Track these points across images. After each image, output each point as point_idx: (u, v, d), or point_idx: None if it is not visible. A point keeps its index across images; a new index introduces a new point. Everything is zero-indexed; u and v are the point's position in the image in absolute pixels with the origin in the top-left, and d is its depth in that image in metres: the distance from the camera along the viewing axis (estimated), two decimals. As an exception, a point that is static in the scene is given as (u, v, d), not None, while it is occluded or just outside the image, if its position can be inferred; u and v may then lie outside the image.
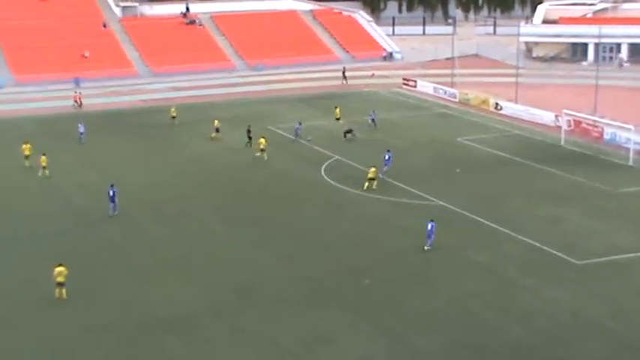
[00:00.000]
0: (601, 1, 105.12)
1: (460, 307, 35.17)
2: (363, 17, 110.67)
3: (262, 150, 57.89)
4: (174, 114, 69.77)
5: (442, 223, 44.93)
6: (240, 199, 50.15)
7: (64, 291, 36.05)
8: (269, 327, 33.66)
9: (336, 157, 58.62)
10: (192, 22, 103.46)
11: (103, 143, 63.72)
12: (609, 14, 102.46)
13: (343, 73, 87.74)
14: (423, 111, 74.65)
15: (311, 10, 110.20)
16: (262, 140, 58.43)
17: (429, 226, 41.26)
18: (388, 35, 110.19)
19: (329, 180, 53.33)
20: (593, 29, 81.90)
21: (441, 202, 48.11)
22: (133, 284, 37.94)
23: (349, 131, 63.42)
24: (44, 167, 54.31)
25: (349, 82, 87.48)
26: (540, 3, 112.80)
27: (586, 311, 34.54)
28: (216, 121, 64.95)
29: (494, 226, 44.36)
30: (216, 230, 44.98)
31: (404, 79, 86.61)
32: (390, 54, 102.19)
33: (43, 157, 54.45)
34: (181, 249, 42.16)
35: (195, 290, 37.21)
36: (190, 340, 32.83)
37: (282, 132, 65.76)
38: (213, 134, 64.08)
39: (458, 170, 54.81)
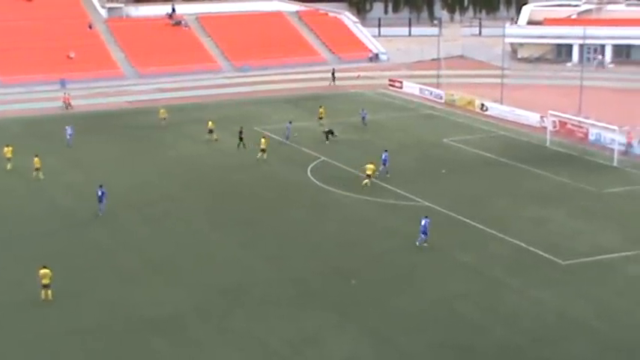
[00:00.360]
0: (585, 3, 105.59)
1: (446, 307, 35.30)
2: (348, 18, 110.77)
3: (263, 150, 57.90)
4: (163, 116, 69.53)
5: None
6: (226, 200, 50.14)
7: (49, 292, 35.96)
8: (256, 328, 33.70)
9: (323, 158, 58.69)
10: (178, 23, 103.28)
11: (89, 145, 63.54)
12: (593, 15, 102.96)
13: (332, 74, 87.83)
14: (409, 112, 74.82)
15: (297, 12, 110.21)
16: (263, 140, 58.45)
17: (423, 222, 41.58)
18: (374, 36, 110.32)
19: (315, 181, 53.39)
20: (578, 30, 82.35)
21: (427, 203, 48.26)
22: (119, 285, 37.88)
23: (330, 132, 63.32)
24: (37, 169, 54.08)
25: (336, 83, 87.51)
26: (525, 4, 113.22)
27: (571, 311, 34.74)
28: (209, 122, 64.81)
29: (481, 226, 44.54)
30: (203, 231, 44.96)
31: (390, 80, 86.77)
32: (376, 55, 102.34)
33: (36, 159, 54.26)
34: (168, 250, 42.13)
35: (182, 291, 37.19)
36: (177, 341, 32.81)
37: (268, 133, 65.75)
38: (207, 136, 63.91)
39: (444, 171, 54.98)
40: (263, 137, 59.37)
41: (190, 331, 33.56)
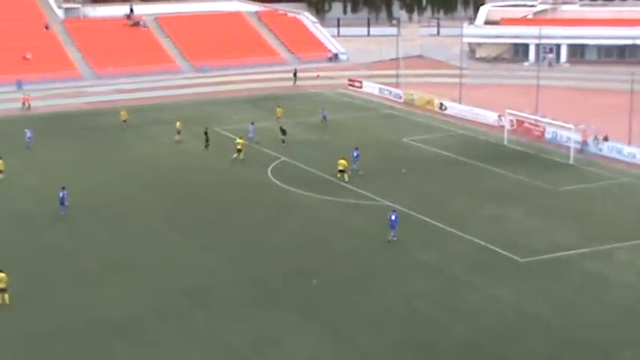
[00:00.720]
0: (541, 3, 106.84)
1: (407, 306, 35.60)
2: (308, 18, 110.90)
3: (239, 150, 57.89)
4: (124, 117, 68.86)
5: (388, 223, 45.43)
6: (187, 201, 49.99)
7: (6, 296, 35.60)
8: (218, 328, 33.69)
9: (283, 158, 58.77)
10: (137, 24, 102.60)
11: (48, 147, 62.92)
12: (549, 15, 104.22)
13: (294, 74, 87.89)
14: (368, 112, 75.17)
15: (256, 12, 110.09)
16: (240, 141, 58.39)
17: (393, 217, 42.13)
18: (333, 36, 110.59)
19: (276, 181, 53.45)
20: (534, 30, 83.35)
21: (388, 203, 48.55)
22: (78, 288, 37.61)
23: (283, 132, 63.16)
24: (0, 171, 53.64)
25: (296, 83, 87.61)
26: (482, 4, 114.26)
27: (529, 308, 35.22)
28: (177, 123, 64.42)
29: (441, 225, 44.94)
30: (163, 232, 44.80)
31: (349, 80, 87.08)
32: (336, 55, 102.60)
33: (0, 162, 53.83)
34: (128, 251, 41.92)
35: (142, 293, 37.04)
36: (138, 342, 32.69)
37: (228, 133, 65.63)
38: (177, 136, 63.44)
39: (404, 170, 55.35)
40: (240, 137, 59.23)
41: (151, 333, 33.45)
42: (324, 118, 69.19)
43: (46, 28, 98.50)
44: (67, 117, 74.23)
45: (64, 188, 47.03)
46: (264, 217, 47.00)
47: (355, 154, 54.61)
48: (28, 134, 62.76)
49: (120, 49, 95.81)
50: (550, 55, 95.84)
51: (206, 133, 61.75)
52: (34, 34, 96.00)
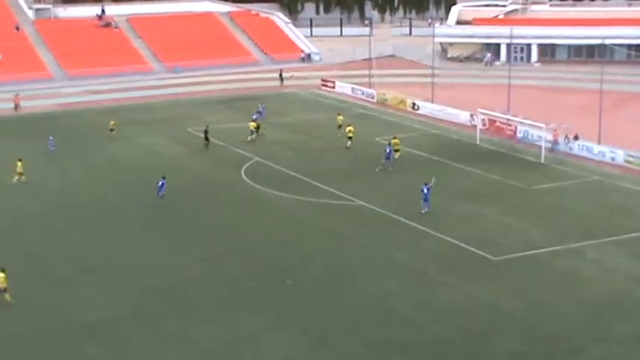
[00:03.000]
0: (511, 3, 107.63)
1: (382, 305, 35.78)
2: (280, 19, 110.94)
3: (252, 132, 62.10)
4: (113, 127, 65.69)
5: (363, 223, 45.70)
6: (160, 202, 49.81)
7: (7, 296, 35.40)
8: (192, 330, 33.67)
9: (256, 158, 58.80)
10: (108, 25, 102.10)
11: (20, 148, 62.34)
12: (519, 16, 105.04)
13: (280, 75, 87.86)
14: (341, 111, 75.21)
15: (228, 12, 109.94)
16: (253, 123, 63.01)
17: (425, 190, 45.82)
18: (306, 36, 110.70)
19: (249, 182, 53.47)
20: (505, 30, 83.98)
21: (361, 202, 48.76)
22: (49, 291, 37.36)
23: (257, 128, 63.51)
24: (20, 174, 52.80)
25: (271, 83, 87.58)
26: (454, 4, 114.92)
27: (503, 306, 35.55)
28: (112, 122, 65.12)
29: (414, 224, 45.19)
30: (136, 234, 44.67)
31: (322, 80, 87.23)
32: (309, 55, 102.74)
33: (19, 164, 53.10)
34: (100, 253, 41.73)
35: (115, 295, 36.90)
36: (111, 345, 32.57)
37: (201, 135, 65.49)
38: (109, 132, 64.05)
39: (377, 170, 55.57)
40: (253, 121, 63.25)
41: (124, 335, 33.34)
42: (260, 113, 68.45)
43: (17, 29, 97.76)
44: (39, 118, 73.73)
45: (164, 177, 48.10)
46: (237, 218, 47.01)
47: (387, 150, 55.82)
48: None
49: (92, 50, 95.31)
50: (489, 54, 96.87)
51: (206, 132, 61.47)
52: (4, 35, 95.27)
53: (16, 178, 52.63)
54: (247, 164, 57.36)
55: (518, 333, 33.16)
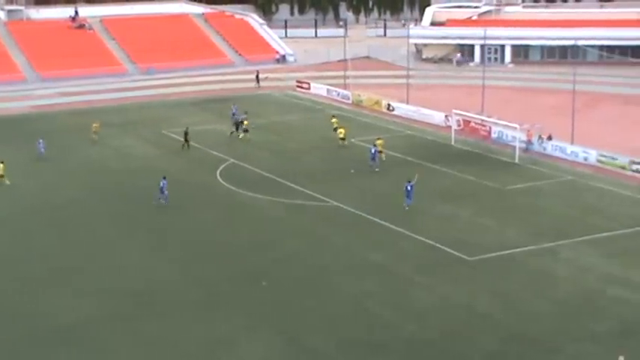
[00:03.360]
0: (485, 4, 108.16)
1: (357, 306, 35.83)
2: (255, 20, 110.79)
3: (246, 130, 62.80)
4: (96, 130, 64.28)
5: (338, 224, 45.77)
6: (134, 204, 49.62)
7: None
8: (168, 332, 33.54)
9: (232, 160, 58.69)
10: (82, 26, 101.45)
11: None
12: (493, 17, 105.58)
13: (257, 76, 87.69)
14: (316, 113, 75.39)
15: (203, 14, 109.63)
16: (246, 122, 63.48)
17: (408, 187, 46.70)
18: (281, 38, 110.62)
19: (224, 183, 53.36)
20: (479, 31, 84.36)
21: (336, 203, 48.81)
22: (23, 293, 37.06)
23: (239, 124, 63.50)
24: (1, 176, 52.40)
25: (246, 85, 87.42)
26: (428, 5, 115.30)
27: (478, 306, 35.72)
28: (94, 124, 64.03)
29: (389, 225, 45.29)
30: (110, 236, 44.43)
31: (297, 81, 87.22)
32: (283, 56, 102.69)
33: (1, 166, 52.59)
34: (74, 255, 41.46)
35: (90, 297, 36.65)
36: (86, 348, 32.36)
37: (176, 136, 65.31)
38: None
39: (352, 171, 55.65)
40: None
41: (100, 338, 33.13)
42: (234, 115, 68.30)
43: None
44: (12, 121, 73.15)
45: (164, 178, 48.19)
46: (212, 219, 46.89)
47: (373, 150, 56.27)
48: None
49: (65, 52, 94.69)
50: (459, 55, 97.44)
51: (186, 134, 61.27)
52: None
53: None
54: (223, 166, 57.24)
55: (493, 333, 33.34)
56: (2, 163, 53.00)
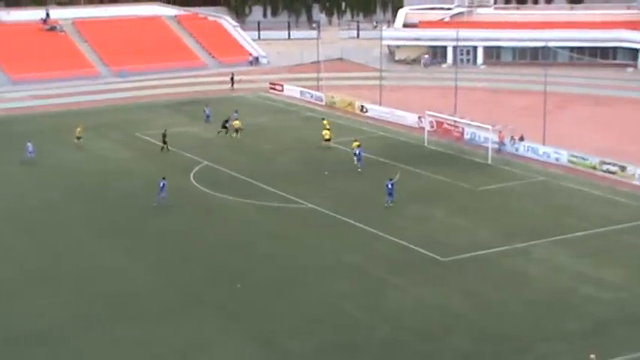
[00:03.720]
0: (457, 6, 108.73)
1: (332, 308, 35.94)
2: (228, 22, 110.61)
3: (237, 130, 64.02)
4: (79, 134, 63.28)
5: (312, 226, 45.87)
6: (108, 208, 49.41)
7: None
8: (142, 336, 33.46)
9: (206, 162, 58.61)
10: (53, 29, 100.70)
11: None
12: (465, 18, 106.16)
13: (232, 78, 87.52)
14: (290, 114, 75.46)
15: (175, 16, 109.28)
16: (237, 122, 64.86)
17: (389, 185, 47.69)
18: (254, 40, 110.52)
19: (199, 186, 53.28)
20: (451, 33, 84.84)
21: (311, 205, 48.91)
22: (-2, 299, 36.91)
23: (225, 122, 63.73)
24: None
25: (220, 87, 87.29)
26: (401, 7, 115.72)
27: (452, 306, 35.96)
28: (78, 129, 62.96)
29: (364, 226, 45.45)
30: (84, 239, 44.22)
31: (271, 83, 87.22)
32: (257, 58, 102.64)
33: None
34: (48, 259, 41.23)
35: (64, 301, 36.49)
36: (60, 352, 32.24)
37: (150, 139, 65.13)
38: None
39: (326, 173, 55.78)
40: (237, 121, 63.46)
41: (73, 342, 33.00)
42: (208, 117, 69.48)
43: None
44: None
45: (164, 178, 48.48)
46: (186, 222, 46.80)
47: (357, 151, 56.56)
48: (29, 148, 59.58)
49: (36, 55, 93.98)
50: (426, 57, 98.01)
51: (164, 135, 61.17)
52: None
53: None
54: (196, 168, 57.14)
55: (467, 333, 33.59)
56: None
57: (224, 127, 65.19)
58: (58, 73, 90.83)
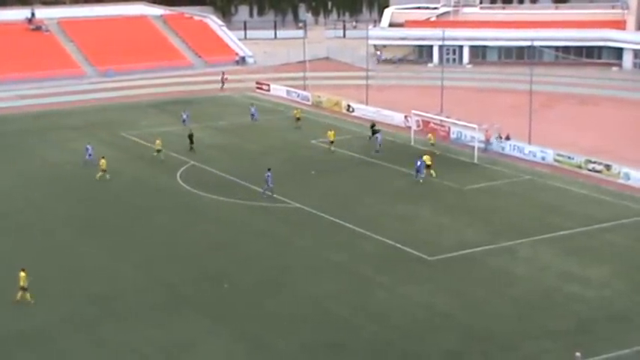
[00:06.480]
0: (443, 5, 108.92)
1: (319, 307, 35.99)
2: (214, 22, 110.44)
3: (331, 142, 60.82)
4: (159, 147, 59.42)
5: (299, 225, 45.91)
6: (94, 208, 49.29)
7: (27, 295, 35.54)
8: (128, 336, 33.42)
9: (192, 162, 58.53)
10: (39, 28, 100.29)
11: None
12: (451, 18, 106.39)
13: (222, 78, 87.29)
14: (277, 114, 75.43)
15: (161, 15, 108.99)
16: (330, 133, 61.39)
17: (419, 163, 51.18)
18: (240, 39, 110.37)
19: (185, 186, 53.22)
20: (437, 32, 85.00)
21: (298, 205, 48.93)
22: (-17, 300, 36.75)
23: (190, 135, 62.28)
24: None
25: (206, 87, 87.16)
26: (387, 7, 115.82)
27: (438, 305, 36.07)
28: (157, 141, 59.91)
29: (351, 226, 45.51)
30: (70, 240, 44.10)
31: (257, 82, 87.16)
32: (243, 58, 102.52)
33: None
34: (34, 260, 40.98)
35: (50, 302, 36.36)
36: (47, 354, 32.15)
37: (135, 139, 64.98)
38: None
39: (313, 172, 55.82)
40: (157, 139, 59.55)
41: (60, 343, 32.93)
42: (184, 121, 68.53)
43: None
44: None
45: (269, 169, 49.88)
46: (172, 222, 46.75)
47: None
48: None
49: (22, 54, 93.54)
50: (397, 56, 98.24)
51: (190, 136, 61.10)
52: None
53: None
54: (183, 168, 57.06)
55: (453, 332, 33.70)
56: None
57: (191, 142, 62.08)
58: (44, 72, 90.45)
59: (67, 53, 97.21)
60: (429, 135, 61.08)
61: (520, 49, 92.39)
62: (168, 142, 63.11)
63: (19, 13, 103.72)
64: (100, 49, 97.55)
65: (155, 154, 58.66)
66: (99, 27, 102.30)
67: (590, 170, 55.00)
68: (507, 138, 60.82)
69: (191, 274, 39.43)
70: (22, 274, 36.25)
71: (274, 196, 49.70)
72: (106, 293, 37.34)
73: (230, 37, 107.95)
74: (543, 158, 57.89)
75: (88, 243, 43.75)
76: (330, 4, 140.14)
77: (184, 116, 69.26)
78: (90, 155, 57.76)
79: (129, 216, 47.75)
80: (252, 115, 70.51)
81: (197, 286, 38.15)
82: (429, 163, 54.20)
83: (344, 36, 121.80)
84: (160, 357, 31.96)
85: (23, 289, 36.13)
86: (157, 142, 59.21)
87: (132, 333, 33.64)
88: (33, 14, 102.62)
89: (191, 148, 60.76)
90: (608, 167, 54.22)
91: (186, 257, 41.54)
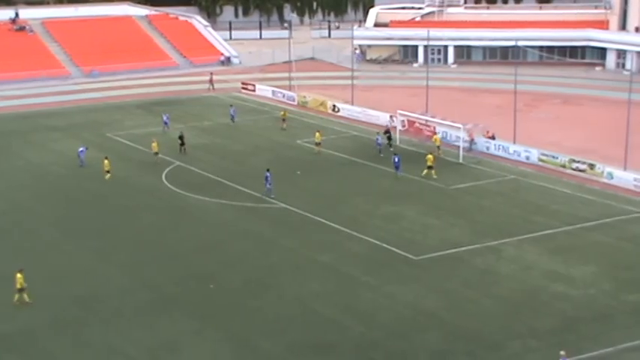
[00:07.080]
0: (428, 6, 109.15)
1: (305, 307, 36.03)
2: (199, 22, 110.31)
3: (318, 144, 60.56)
4: (156, 149, 59.16)
5: (285, 226, 45.93)
6: (79, 209, 49.16)
7: (25, 295, 35.48)
8: (113, 338, 33.35)
9: (177, 163, 58.44)
10: (23, 29, 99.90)
11: None
12: (436, 18, 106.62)
13: (210, 79, 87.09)
14: (262, 114, 75.40)
15: (146, 16, 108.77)
16: (318, 134, 61.08)
17: (396, 159, 53.12)
18: (225, 40, 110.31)
19: (171, 186, 53.14)
20: (422, 32, 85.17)
21: (284, 205, 48.95)
22: (-33, 302, 36.59)
23: (181, 136, 62.01)
24: None
25: (191, 87, 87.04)
26: (372, 7, 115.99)
27: (424, 305, 36.18)
28: (153, 144, 59.03)
29: (337, 226, 45.57)
30: (55, 241, 43.95)
31: (243, 83, 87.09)
32: (228, 58, 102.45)
33: None
34: (18, 262, 40.76)
35: (34, 304, 36.22)
36: (31, 356, 32.04)
37: (121, 139, 64.83)
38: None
39: (299, 172, 55.86)
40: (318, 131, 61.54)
41: (45, 345, 32.83)
42: (166, 124, 67.73)
43: None
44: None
45: (268, 170, 50.20)
46: (158, 223, 46.68)
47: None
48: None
49: (5, 55, 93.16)
50: (357, 52, 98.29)
51: (181, 137, 60.67)
52: None
53: None
54: (168, 169, 56.96)
55: (439, 331, 33.83)
56: None
57: (182, 142, 62.91)
58: (28, 73, 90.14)
59: (52, 54, 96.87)
60: (435, 137, 60.98)
61: (504, 49, 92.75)
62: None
63: (2, 14, 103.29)
64: (84, 50, 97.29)
65: (155, 156, 58.14)
66: (83, 27, 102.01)
67: (574, 169, 55.29)
68: (492, 137, 61.03)
69: (177, 275, 39.39)
70: (19, 275, 36.05)
71: (272, 196, 49.61)
72: (91, 294, 37.26)
73: (215, 37, 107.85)
74: (528, 158, 58.15)
75: (73, 243, 43.62)
76: (315, 4, 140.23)
77: (165, 118, 68.74)
78: (82, 156, 57.67)
79: (114, 217, 47.64)
80: (232, 116, 70.27)
81: (183, 287, 38.12)
82: (430, 163, 54.24)
83: (329, 36, 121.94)
84: (145, 358, 31.93)
85: (20, 290, 35.85)
86: (154, 144, 58.74)
87: (117, 334, 33.59)
88: (17, 14, 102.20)
89: (182, 150, 60.51)
90: (592, 166, 54.52)
91: (171, 258, 41.49)
